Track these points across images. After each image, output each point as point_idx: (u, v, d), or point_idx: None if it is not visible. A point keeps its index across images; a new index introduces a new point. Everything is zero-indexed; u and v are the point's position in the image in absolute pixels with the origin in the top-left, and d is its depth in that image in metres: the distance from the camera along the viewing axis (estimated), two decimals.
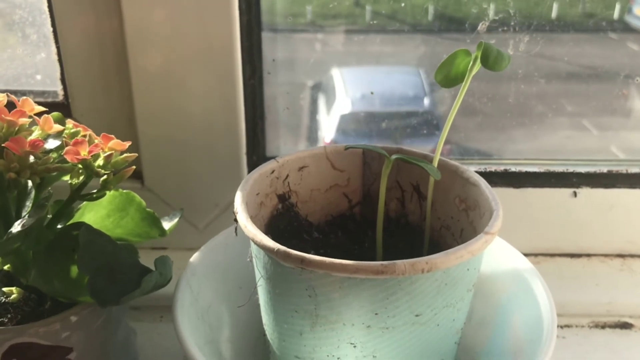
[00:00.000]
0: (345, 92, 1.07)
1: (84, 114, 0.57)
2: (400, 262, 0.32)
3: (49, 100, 0.59)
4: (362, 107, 1.10)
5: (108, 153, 0.38)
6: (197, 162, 0.57)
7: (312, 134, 0.84)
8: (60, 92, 0.58)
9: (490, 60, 0.39)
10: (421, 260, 0.32)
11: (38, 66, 0.59)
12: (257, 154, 0.59)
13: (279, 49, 0.62)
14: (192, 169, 0.57)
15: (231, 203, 0.59)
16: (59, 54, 0.56)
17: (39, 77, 0.60)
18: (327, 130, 1.08)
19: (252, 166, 0.58)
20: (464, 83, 0.40)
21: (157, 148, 0.57)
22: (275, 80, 0.60)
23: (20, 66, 0.59)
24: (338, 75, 1.10)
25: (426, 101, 1.03)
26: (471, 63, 0.40)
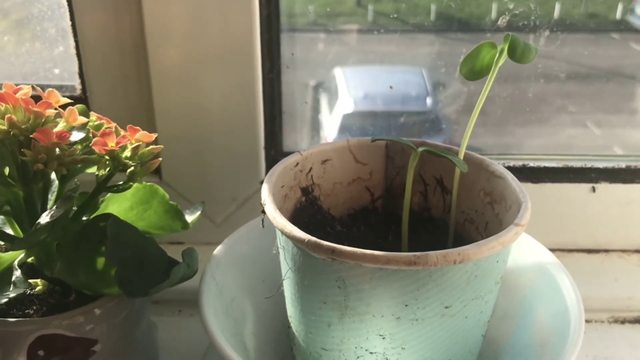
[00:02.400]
0: (348, 91, 1.07)
1: (102, 108, 0.57)
2: (432, 253, 0.32)
3: (67, 94, 0.59)
4: (365, 107, 1.10)
5: (135, 145, 0.37)
6: (215, 156, 0.57)
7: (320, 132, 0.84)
8: (78, 87, 0.58)
9: (517, 52, 0.39)
10: (453, 252, 0.32)
11: (56, 60, 0.59)
12: (274, 149, 0.59)
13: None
14: (210, 164, 0.57)
15: (249, 197, 0.59)
16: (77, 48, 0.56)
17: (56, 71, 0.60)
18: (329, 129, 1.08)
19: (269, 160, 0.58)
20: (489, 76, 0.40)
21: (175, 142, 0.56)
22: (292, 75, 0.60)
23: (39, 60, 0.59)
24: (340, 75, 1.10)
25: (428, 101, 1.03)
26: (497, 55, 0.40)
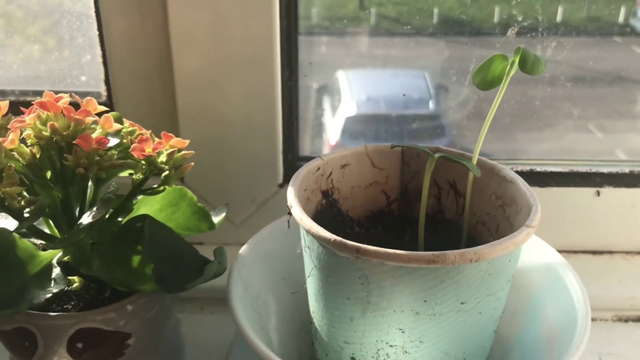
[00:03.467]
0: (351, 94, 1.09)
1: (127, 114, 0.59)
2: (450, 253, 0.34)
3: None
4: (368, 110, 1.11)
5: (170, 150, 0.40)
6: (235, 160, 0.60)
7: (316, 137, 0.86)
8: (104, 93, 0.60)
9: (528, 64, 0.41)
10: (470, 251, 0.34)
11: (83, 68, 0.62)
12: (292, 153, 0.61)
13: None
14: (230, 167, 0.60)
15: (267, 200, 0.62)
16: (103, 56, 0.58)
17: (83, 78, 0.62)
18: (333, 132, 1.09)
19: (287, 164, 0.61)
20: (501, 86, 0.43)
21: (197, 147, 0.58)
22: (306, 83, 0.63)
23: (67, 68, 0.62)
24: (343, 78, 1.11)
25: (431, 104, 1.05)
26: (508, 67, 0.42)
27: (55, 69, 0.62)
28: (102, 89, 0.60)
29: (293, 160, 0.62)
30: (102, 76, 0.59)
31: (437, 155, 0.41)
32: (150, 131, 0.42)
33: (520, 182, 0.42)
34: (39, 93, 0.55)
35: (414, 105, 1.04)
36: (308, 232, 0.38)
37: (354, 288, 0.37)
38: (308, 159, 0.46)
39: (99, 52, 0.58)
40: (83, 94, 0.62)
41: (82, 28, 0.60)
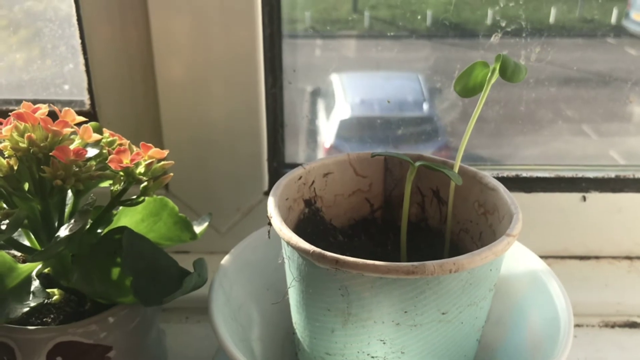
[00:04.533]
0: (345, 97, 1.09)
1: (110, 122, 0.59)
2: (429, 263, 0.34)
3: (76, 109, 0.61)
4: (362, 113, 1.11)
5: (149, 161, 0.40)
6: (219, 168, 0.59)
7: (310, 140, 0.86)
8: (87, 102, 0.60)
9: (508, 72, 0.41)
10: (449, 261, 0.34)
11: (66, 76, 0.61)
12: (277, 160, 0.61)
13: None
14: (215, 175, 0.60)
15: (252, 207, 0.61)
16: (86, 64, 0.58)
17: (66, 87, 0.62)
18: (327, 135, 1.09)
19: (272, 172, 0.61)
20: (482, 93, 0.43)
21: (181, 155, 0.59)
22: (293, 89, 0.62)
23: (49, 76, 0.62)
24: (337, 81, 1.11)
25: (425, 106, 1.04)
26: (489, 74, 0.42)
27: (38, 77, 0.62)
28: (86, 97, 0.60)
29: (279, 168, 0.61)
30: (85, 84, 0.59)
31: (417, 163, 0.41)
32: (129, 141, 0.42)
33: (502, 189, 0.42)
34: (20, 102, 0.54)
35: (408, 108, 1.03)
36: (287, 243, 0.37)
37: (335, 299, 0.37)
38: (294, 166, 0.46)
39: (81, 60, 0.58)
40: (66, 103, 0.62)
41: (64, 36, 0.59)
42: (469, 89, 0.44)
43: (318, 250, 0.35)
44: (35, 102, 0.56)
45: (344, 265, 0.34)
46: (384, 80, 1.00)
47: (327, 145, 1.08)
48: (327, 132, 1.09)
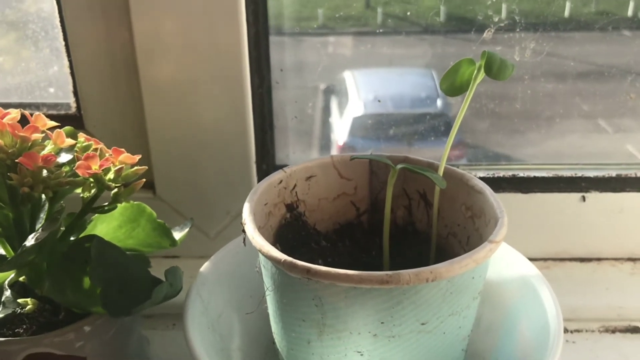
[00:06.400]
0: (358, 94, 1.08)
1: (96, 125, 0.58)
2: (404, 272, 0.32)
3: (62, 112, 0.60)
4: (375, 110, 1.10)
5: (119, 167, 0.38)
6: (208, 171, 0.58)
7: (323, 140, 0.85)
8: (73, 104, 0.59)
9: (494, 69, 0.39)
10: (425, 270, 0.32)
11: (51, 79, 0.60)
12: (266, 163, 0.60)
13: (288, 53, 0.63)
14: (203, 178, 0.58)
15: (242, 211, 0.60)
16: (71, 67, 0.57)
17: (52, 90, 0.61)
18: (340, 133, 1.08)
19: (261, 174, 0.59)
20: (468, 91, 0.41)
21: (168, 158, 0.57)
22: (284, 88, 0.61)
23: (34, 79, 0.61)
24: (350, 78, 1.10)
25: (439, 103, 1.03)
26: (475, 72, 0.41)
27: (23, 81, 0.61)
28: (72, 100, 0.59)
29: (268, 170, 0.60)
30: (70, 87, 0.58)
31: (399, 166, 0.39)
32: (102, 146, 0.41)
33: (489, 192, 0.40)
34: (6, 106, 0.54)
35: (422, 104, 1.02)
36: (260, 251, 0.36)
37: (309, 310, 0.35)
38: None
39: (66, 62, 0.57)
40: (52, 106, 0.61)
41: (47, 38, 0.58)
42: (455, 88, 0.42)
43: (289, 259, 0.34)
44: (20, 105, 0.55)
45: (316, 275, 0.33)
46: (397, 76, 0.99)
47: (341, 143, 1.07)
48: (340, 130, 1.08)
